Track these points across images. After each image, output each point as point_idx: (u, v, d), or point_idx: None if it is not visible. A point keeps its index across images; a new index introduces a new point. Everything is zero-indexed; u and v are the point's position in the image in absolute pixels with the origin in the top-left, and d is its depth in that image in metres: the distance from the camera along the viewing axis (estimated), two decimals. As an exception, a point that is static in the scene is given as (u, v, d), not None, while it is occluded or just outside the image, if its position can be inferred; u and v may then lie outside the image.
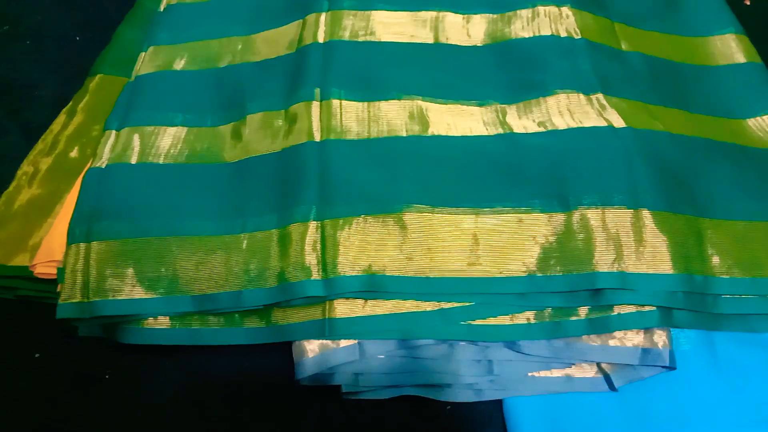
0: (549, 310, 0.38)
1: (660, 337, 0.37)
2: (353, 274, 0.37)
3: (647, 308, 0.37)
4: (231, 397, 0.41)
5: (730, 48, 0.52)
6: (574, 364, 0.39)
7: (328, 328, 0.37)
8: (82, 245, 0.39)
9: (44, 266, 0.41)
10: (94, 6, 0.67)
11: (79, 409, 0.41)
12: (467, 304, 0.37)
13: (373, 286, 0.37)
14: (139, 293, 0.38)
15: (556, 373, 0.39)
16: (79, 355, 0.43)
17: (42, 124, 0.53)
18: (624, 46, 0.51)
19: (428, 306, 0.37)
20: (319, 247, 0.38)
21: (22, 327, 0.45)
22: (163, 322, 0.39)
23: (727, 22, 0.54)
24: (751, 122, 0.47)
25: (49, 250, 0.41)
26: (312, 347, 0.37)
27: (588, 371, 0.39)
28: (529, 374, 0.39)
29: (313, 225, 0.38)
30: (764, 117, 0.47)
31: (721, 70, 0.51)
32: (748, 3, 0.63)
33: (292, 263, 0.37)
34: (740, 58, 0.52)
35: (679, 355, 0.38)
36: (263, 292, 0.37)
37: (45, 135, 0.52)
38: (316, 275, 0.37)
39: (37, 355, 0.43)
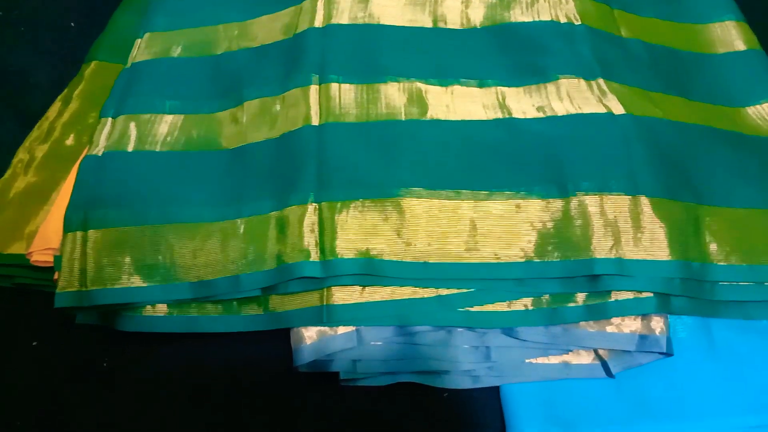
0: (547, 296, 0.38)
1: (657, 324, 0.37)
2: (351, 257, 0.37)
3: (645, 295, 0.37)
4: (229, 384, 0.41)
5: (730, 35, 0.52)
6: (571, 351, 0.39)
7: (326, 315, 0.37)
8: (79, 233, 0.39)
9: (41, 254, 0.41)
10: (89, -9, 0.66)
11: (77, 397, 0.41)
12: (465, 290, 0.37)
13: (370, 270, 0.37)
14: (136, 281, 0.38)
15: (554, 359, 0.39)
16: (77, 343, 0.43)
17: (37, 111, 0.52)
18: (623, 33, 0.51)
19: (426, 292, 0.37)
20: (317, 229, 0.38)
21: (19, 315, 0.45)
22: (161, 309, 0.39)
23: (726, 8, 0.54)
24: (750, 110, 0.47)
25: (46, 237, 0.40)
26: (310, 334, 0.37)
27: (585, 358, 0.39)
28: (527, 361, 0.39)
29: (311, 207, 0.38)
30: (764, 105, 0.47)
31: (721, 57, 0.51)
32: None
33: (290, 245, 0.37)
34: (740, 46, 0.51)
35: (676, 342, 0.38)
36: (261, 274, 0.37)
37: (40, 122, 0.51)
38: (314, 257, 0.37)
39: (34, 344, 0.43)
